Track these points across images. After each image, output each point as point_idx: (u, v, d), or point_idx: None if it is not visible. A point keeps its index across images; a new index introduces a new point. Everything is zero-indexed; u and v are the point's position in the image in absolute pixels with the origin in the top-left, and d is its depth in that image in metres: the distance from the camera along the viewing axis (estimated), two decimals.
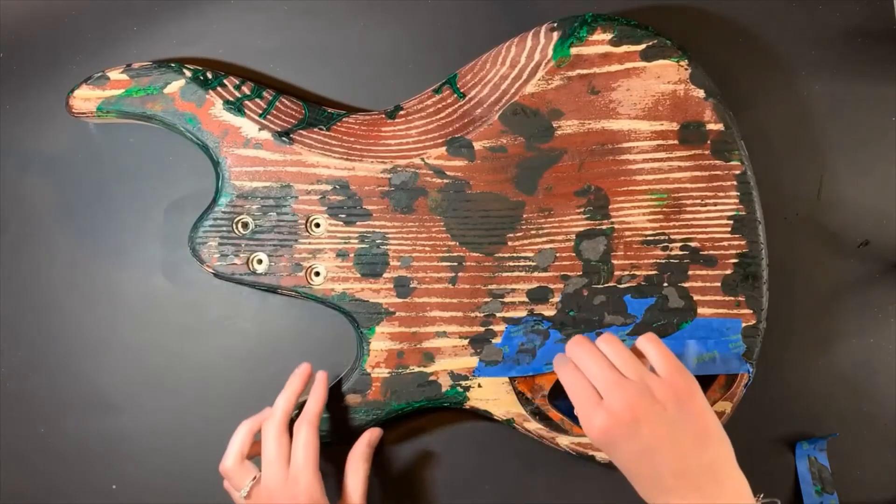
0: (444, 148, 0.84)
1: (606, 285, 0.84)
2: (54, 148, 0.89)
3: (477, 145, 0.83)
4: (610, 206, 0.83)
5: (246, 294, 0.88)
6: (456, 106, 0.85)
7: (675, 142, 0.83)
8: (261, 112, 0.84)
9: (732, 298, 0.83)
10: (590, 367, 0.74)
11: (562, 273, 0.84)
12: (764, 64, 0.91)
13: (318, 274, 0.84)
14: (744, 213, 0.83)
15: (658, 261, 0.84)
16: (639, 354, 0.76)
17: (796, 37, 0.91)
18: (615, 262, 0.84)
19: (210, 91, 0.83)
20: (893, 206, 0.91)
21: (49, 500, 0.89)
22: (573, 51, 0.83)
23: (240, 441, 0.81)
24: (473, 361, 0.84)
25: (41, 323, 0.89)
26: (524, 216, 0.84)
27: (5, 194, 0.89)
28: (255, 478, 0.80)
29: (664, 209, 0.83)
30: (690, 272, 0.84)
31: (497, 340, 0.84)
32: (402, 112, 0.86)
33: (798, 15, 0.91)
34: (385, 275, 0.84)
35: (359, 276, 0.84)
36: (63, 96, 0.83)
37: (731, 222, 0.83)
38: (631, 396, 0.71)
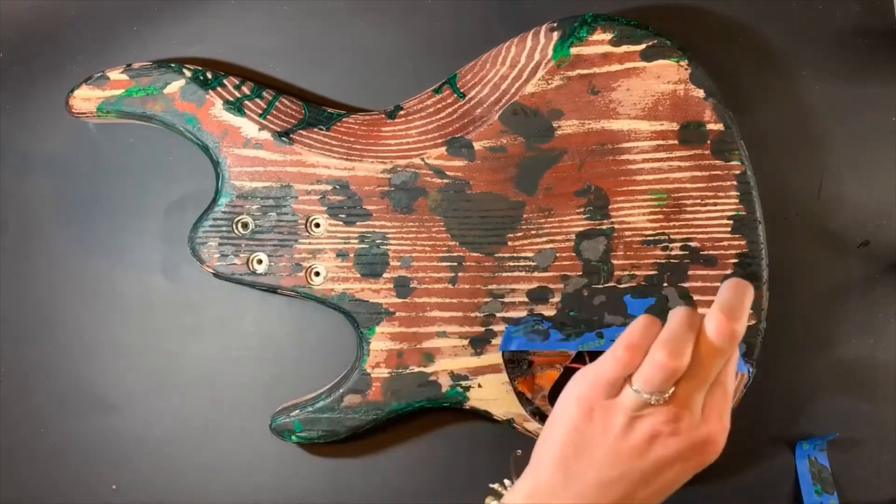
0: (443, 148, 0.84)
1: (606, 285, 0.84)
2: (54, 148, 0.89)
3: (477, 145, 0.83)
4: (610, 206, 0.83)
5: (246, 294, 0.88)
6: (456, 106, 0.85)
7: (675, 142, 0.83)
8: (261, 112, 0.84)
9: None
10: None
11: (562, 273, 0.84)
12: (764, 64, 0.91)
13: (317, 274, 0.84)
14: (744, 213, 0.83)
15: (658, 261, 0.84)
16: None
17: (796, 37, 0.91)
18: (615, 262, 0.84)
19: (210, 91, 0.83)
20: (893, 206, 0.91)
21: (49, 500, 0.89)
22: (573, 51, 0.83)
23: (688, 337, 0.61)
24: (473, 361, 0.84)
25: (41, 323, 0.89)
26: (524, 216, 0.84)
27: (5, 194, 0.89)
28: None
29: (664, 209, 0.83)
30: (690, 272, 0.84)
31: (497, 340, 0.84)
32: (401, 112, 0.86)
33: (798, 15, 0.91)
34: (385, 275, 0.84)
35: (359, 276, 0.84)
36: (63, 96, 0.83)
37: (731, 222, 0.83)
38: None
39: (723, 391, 0.63)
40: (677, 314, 0.62)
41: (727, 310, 0.60)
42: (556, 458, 0.62)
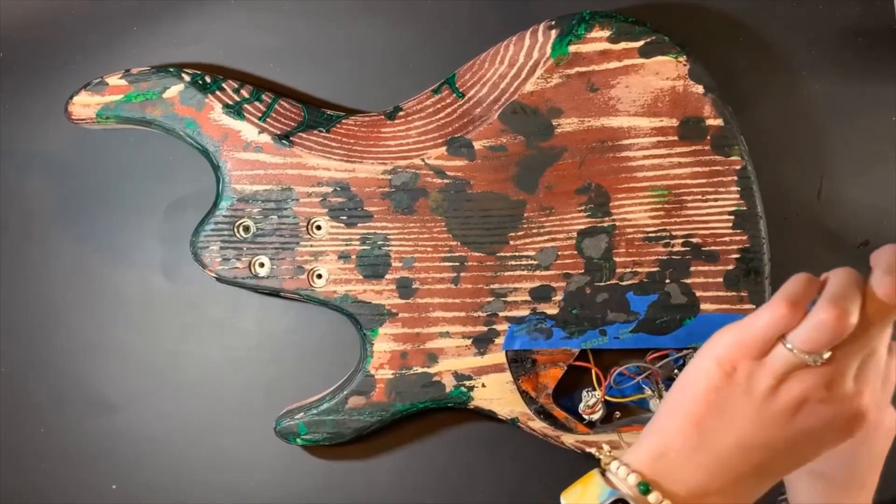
0: (444, 148, 0.84)
1: (609, 283, 0.84)
2: (54, 148, 0.89)
3: (477, 145, 0.83)
4: (611, 204, 0.83)
5: (246, 294, 0.87)
6: (455, 106, 0.85)
7: (675, 138, 0.83)
8: (260, 115, 0.84)
9: (735, 293, 0.83)
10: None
11: (564, 271, 0.83)
12: (764, 64, 0.91)
13: (320, 276, 0.84)
14: (744, 208, 0.83)
15: (660, 257, 0.83)
16: None
17: (796, 37, 0.91)
18: (617, 259, 0.83)
19: (209, 95, 0.84)
20: (893, 206, 0.91)
21: (49, 500, 0.89)
22: (571, 48, 0.83)
23: (856, 297, 0.56)
24: (477, 361, 0.84)
25: (41, 323, 0.89)
26: (525, 215, 0.83)
27: (5, 194, 0.89)
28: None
29: (665, 205, 0.83)
30: (692, 268, 0.83)
31: (500, 340, 0.84)
32: (401, 113, 0.86)
33: (798, 14, 0.91)
34: (387, 276, 0.84)
35: (361, 277, 0.84)
36: (63, 96, 0.83)
37: (732, 217, 0.83)
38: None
39: (876, 364, 0.58)
40: (842, 273, 0.58)
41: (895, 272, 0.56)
42: (690, 419, 0.58)
